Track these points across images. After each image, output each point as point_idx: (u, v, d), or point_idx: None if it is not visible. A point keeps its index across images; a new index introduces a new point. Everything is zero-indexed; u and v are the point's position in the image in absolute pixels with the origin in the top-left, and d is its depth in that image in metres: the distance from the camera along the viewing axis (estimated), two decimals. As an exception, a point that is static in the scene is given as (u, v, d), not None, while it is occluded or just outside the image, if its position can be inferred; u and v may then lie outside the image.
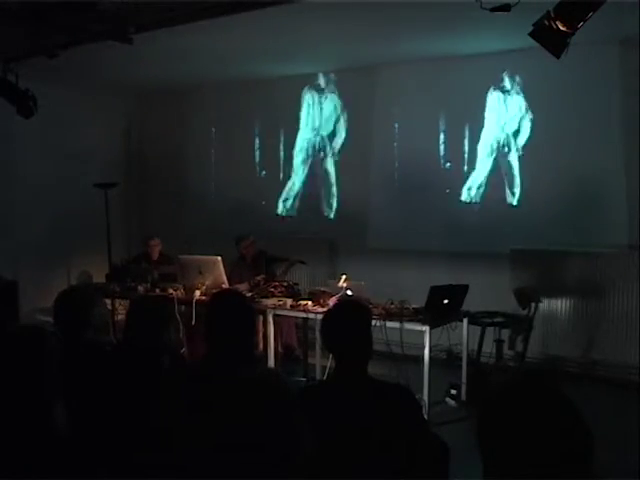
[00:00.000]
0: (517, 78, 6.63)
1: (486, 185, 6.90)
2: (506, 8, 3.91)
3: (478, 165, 6.93)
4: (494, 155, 6.86)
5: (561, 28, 3.82)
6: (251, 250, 6.82)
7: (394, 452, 2.27)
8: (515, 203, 6.73)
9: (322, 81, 7.89)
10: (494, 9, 3.92)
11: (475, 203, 6.95)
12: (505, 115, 6.78)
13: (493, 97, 6.82)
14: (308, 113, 8.03)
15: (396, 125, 7.35)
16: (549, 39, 3.88)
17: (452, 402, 5.46)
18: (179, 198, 8.92)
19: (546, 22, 3.84)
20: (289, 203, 8.22)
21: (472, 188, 6.98)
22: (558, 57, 3.90)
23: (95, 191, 7.59)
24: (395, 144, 7.37)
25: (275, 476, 2.18)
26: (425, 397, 4.95)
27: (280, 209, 8.28)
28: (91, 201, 7.77)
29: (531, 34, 3.90)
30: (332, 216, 7.90)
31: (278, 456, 2.24)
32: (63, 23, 5.06)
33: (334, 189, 7.88)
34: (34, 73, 5.92)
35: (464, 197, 7.01)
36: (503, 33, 5.56)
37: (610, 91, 6.12)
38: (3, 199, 7.52)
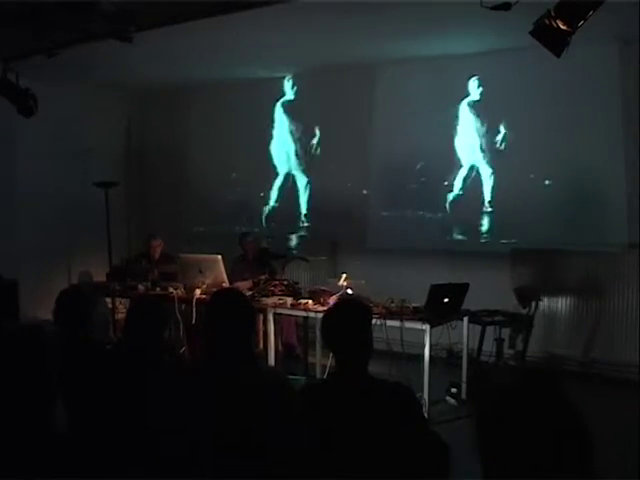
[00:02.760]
0: (516, 77, 6.60)
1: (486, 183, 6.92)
2: (506, 7, 3.90)
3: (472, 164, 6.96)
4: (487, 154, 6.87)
5: (561, 27, 3.82)
6: (254, 248, 6.85)
7: (394, 451, 2.27)
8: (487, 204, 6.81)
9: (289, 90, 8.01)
10: (494, 7, 3.91)
11: (475, 201, 6.95)
12: (500, 114, 6.77)
13: (491, 94, 6.83)
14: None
15: (396, 124, 7.33)
16: (549, 38, 3.88)
17: (452, 401, 5.45)
18: (179, 197, 8.91)
19: (546, 21, 3.84)
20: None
21: (472, 186, 6.99)
22: (558, 56, 3.91)
23: (95, 190, 7.58)
24: (395, 143, 7.34)
25: (276, 474, 2.18)
26: (425, 396, 4.94)
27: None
28: (92, 200, 7.76)
29: (531, 33, 3.90)
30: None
31: (279, 454, 2.25)
32: (63, 22, 5.05)
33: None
34: (34, 72, 5.91)
35: (464, 195, 7.00)
36: (501, 32, 5.55)
37: (610, 89, 6.11)
38: (3, 198, 7.51)
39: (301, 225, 8.07)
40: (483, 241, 6.86)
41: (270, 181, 8.28)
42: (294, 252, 7.72)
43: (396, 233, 7.34)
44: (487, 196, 6.85)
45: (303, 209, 8.06)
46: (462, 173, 7.02)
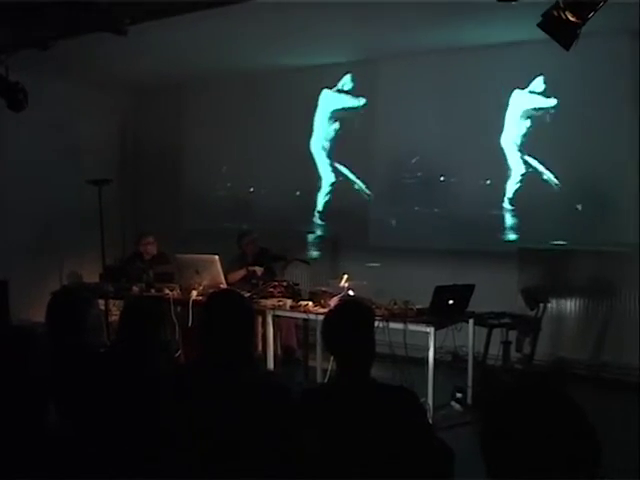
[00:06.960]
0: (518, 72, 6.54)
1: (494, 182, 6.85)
2: (513, -1, 3.84)
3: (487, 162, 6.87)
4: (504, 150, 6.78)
5: (571, 19, 3.80)
6: (253, 247, 6.78)
7: (398, 457, 2.24)
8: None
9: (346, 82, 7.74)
10: (501, -1, 3.84)
11: (481, 200, 6.87)
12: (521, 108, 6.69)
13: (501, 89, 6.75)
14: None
15: (399, 121, 7.27)
16: (558, 30, 3.85)
17: (458, 406, 5.41)
18: (175, 195, 8.87)
19: (555, 12, 3.82)
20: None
21: (478, 185, 6.91)
22: (568, 49, 3.86)
23: (88, 188, 7.43)
24: (398, 140, 7.29)
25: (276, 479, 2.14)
26: (430, 401, 4.90)
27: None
28: (84, 198, 7.64)
29: (540, 25, 3.87)
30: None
31: (278, 460, 2.21)
32: (56, 14, 4.98)
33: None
34: (26, 66, 5.82)
35: (472, 195, 6.91)
36: (510, 24, 5.54)
37: (621, 83, 6.06)
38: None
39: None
40: (489, 241, 6.77)
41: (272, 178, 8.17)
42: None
43: (399, 232, 7.30)
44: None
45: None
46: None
